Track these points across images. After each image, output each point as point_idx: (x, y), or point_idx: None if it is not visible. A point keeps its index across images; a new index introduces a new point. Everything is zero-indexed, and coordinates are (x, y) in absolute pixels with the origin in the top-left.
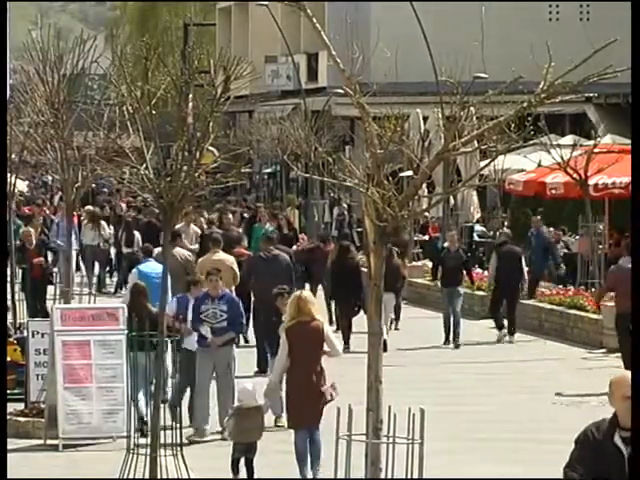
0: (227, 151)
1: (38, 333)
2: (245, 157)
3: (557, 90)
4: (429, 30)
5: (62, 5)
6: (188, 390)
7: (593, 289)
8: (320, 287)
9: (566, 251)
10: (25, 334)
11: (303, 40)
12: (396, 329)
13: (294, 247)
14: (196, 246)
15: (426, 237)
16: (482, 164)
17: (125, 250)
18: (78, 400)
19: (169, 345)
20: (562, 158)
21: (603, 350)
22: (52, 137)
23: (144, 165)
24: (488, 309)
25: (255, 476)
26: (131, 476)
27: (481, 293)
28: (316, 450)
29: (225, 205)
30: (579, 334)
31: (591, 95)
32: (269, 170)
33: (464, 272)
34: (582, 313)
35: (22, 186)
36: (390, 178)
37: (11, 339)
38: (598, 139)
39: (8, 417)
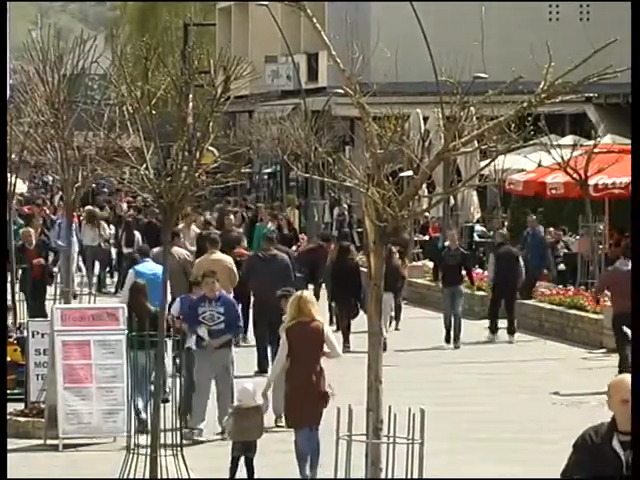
0: (227, 151)
1: (38, 333)
2: (245, 157)
3: (557, 90)
4: (429, 30)
5: (62, 5)
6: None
7: (593, 289)
8: (324, 286)
9: (566, 251)
10: (25, 334)
11: (303, 40)
12: (396, 329)
13: (293, 248)
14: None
15: (426, 237)
16: (482, 164)
17: (125, 250)
18: (78, 400)
19: (169, 345)
20: (562, 158)
21: (603, 350)
22: (52, 137)
23: (144, 165)
24: (487, 310)
25: (255, 476)
26: (131, 476)
27: (481, 293)
28: (315, 450)
29: (225, 205)
30: (579, 334)
31: (591, 95)
32: (269, 170)
33: (464, 271)
34: (582, 313)
35: (22, 187)
36: (390, 178)
37: (11, 339)
38: (598, 139)
39: (8, 417)
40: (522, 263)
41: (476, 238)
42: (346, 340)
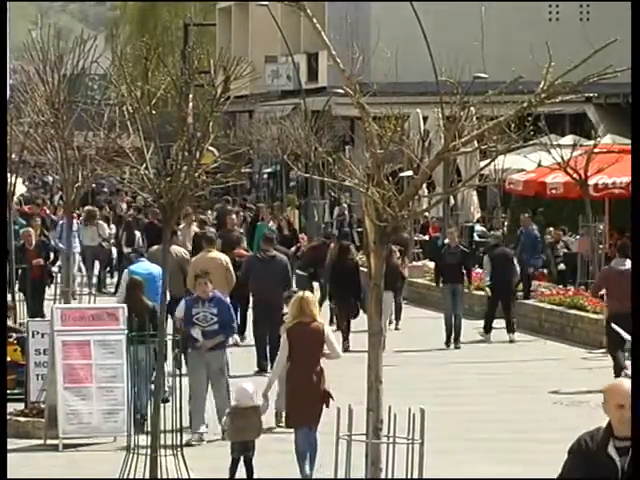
0: (227, 151)
1: (38, 333)
2: (245, 157)
3: (557, 90)
4: (429, 30)
5: (62, 5)
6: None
7: (590, 289)
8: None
9: (566, 251)
10: (25, 334)
11: (303, 40)
12: (396, 329)
13: (293, 249)
14: None
15: (426, 237)
16: (482, 164)
17: (126, 250)
18: (78, 400)
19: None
20: (562, 158)
21: (603, 350)
22: (52, 137)
23: (144, 165)
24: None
25: (255, 476)
26: (131, 476)
27: (481, 293)
28: (313, 450)
29: (224, 205)
30: (579, 334)
31: (591, 95)
32: (269, 170)
33: (464, 270)
34: (582, 313)
35: (21, 188)
36: (390, 178)
37: (11, 339)
38: (598, 139)
39: (8, 417)
40: (517, 263)
41: (476, 238)
42: (345, 339)
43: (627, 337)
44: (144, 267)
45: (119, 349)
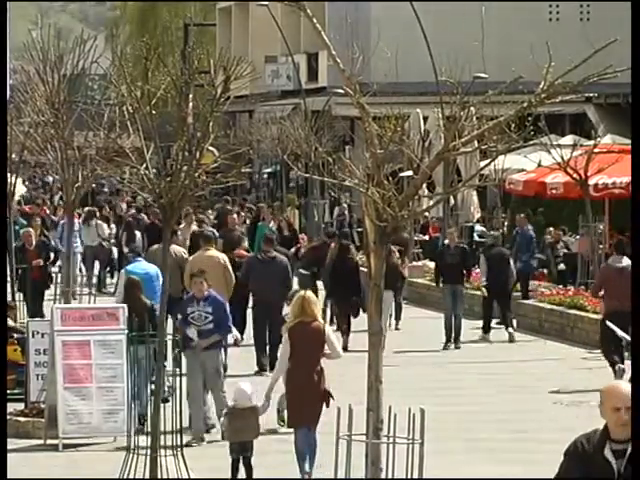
0: (227, 151)
1: (38, 333)
2: (245, 157)
3: (557, 90)
4: (429, 30)
5: (62, 5)
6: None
7: (590, 289)
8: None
9: (566, 251)
10: (25, 334)
11: (303, 40)
12: (396, 329)
13: (292, 250)
14: None
15: (426, 237)
16: (482, 164)
17: (126, 250)
18: (78, 400)
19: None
20: (562, 158)
21: None
22: (52, 137)
23: (144, 165)
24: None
25: (255, 476)
26: (131, 476)
27: (480, 293)
28: (312, 450)
29: (224, 205)
30: (579, 334)
31: (591, 95)
32: (269, 170)
33: (464, 270)
34: (582, 313)
35: (21, 188)
36: (390, 178)
37: (13, 339)
38: (598, 139)
39: (8, 417)
40: (512, 264)
41: (476, 238)
42: (345, 341)
43: (622, 335)
44: (141, 267)
45: (119, 349)
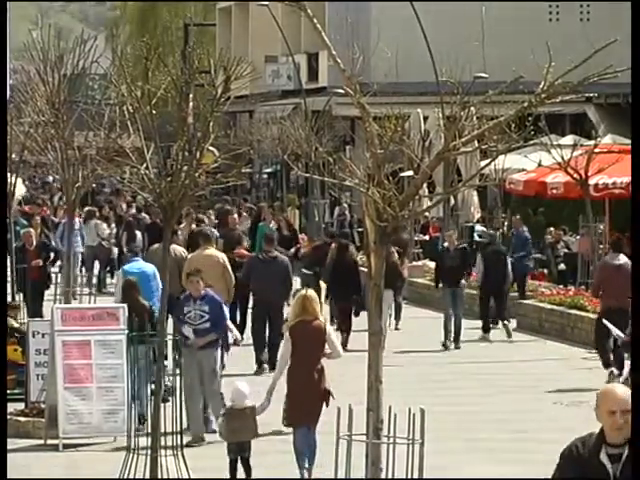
0: (227, 151)
1: (38, 333)
2: (245, 157)
3: (557, 90)
4: (429, 30)
5: (62, 5)
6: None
7: (590, 289)
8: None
9: (566, 251)
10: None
11: (303, 40)
12: (397, 329)
13: (292, 250)
14: None
15: (426, 237)
16: (482, 164)
17: (126, 250)
18: (78, 400)
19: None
20: (562, 158)
21: None
22: (53, 137)
23: (144, 165)
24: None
25: (254, 476)
26: (131, 476)
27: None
28: (311, 450)
29: (224, 205)
30: (579, 334)
31: (591, 95)
32: (269, 170)
33: (464, 272)
34: (582, 313)
35: (21, 188)
36: (390, 178)
37: (15, 339)
38: (598, 139)
39: (8, 417)
40: (509, 263)
41: (476, 238)
42: (345, 339)
43: (617, 334)
44: (137, 266)
45: (119, 349)
